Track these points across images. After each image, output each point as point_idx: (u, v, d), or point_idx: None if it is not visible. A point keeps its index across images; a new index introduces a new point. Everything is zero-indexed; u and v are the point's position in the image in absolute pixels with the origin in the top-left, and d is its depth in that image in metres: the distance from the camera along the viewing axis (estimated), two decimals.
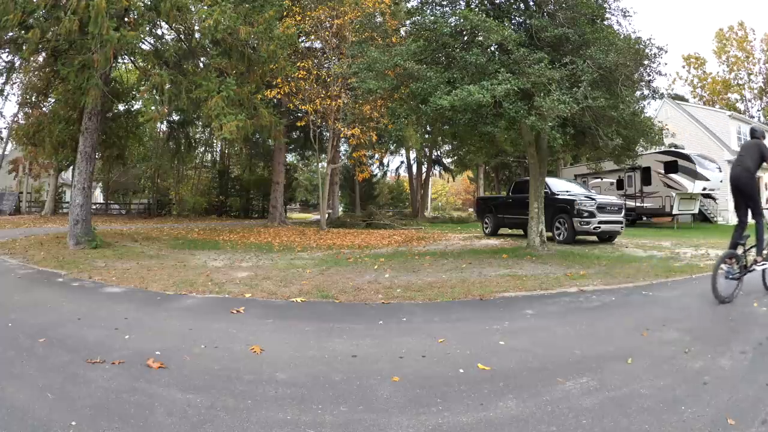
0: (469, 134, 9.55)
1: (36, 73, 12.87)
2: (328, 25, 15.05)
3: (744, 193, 4.81)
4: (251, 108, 9.85)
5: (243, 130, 8.90)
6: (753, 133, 5.09)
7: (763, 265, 4.87)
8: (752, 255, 4.88)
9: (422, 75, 7.31)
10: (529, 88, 6.91)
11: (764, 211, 4.81)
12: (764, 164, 4.83)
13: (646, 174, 19.81)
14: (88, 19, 7.47)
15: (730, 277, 4.60)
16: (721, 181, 19.41)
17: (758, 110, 35.48)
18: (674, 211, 17.60)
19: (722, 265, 4.59)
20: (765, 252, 4.88)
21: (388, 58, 7.76)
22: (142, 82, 11.07)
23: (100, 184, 30.10)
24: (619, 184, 20.84)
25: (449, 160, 32.55)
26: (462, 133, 9.65)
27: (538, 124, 6.85)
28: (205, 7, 8.54)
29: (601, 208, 10.89)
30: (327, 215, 18.31)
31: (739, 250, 4.77)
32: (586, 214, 10.70)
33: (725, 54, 35.63)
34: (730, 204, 21.32)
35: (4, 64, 9.24)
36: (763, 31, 46.86)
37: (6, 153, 25.07)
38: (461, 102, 6.56)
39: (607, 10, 8.49)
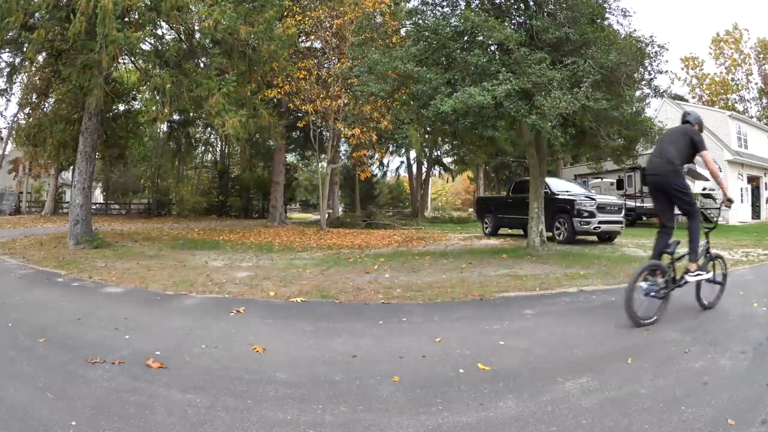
0: (469, 133, 9.55)
1: (36, 73, 12.85)
2: (328, 25, 15.05)
3: (666, 191, 4.05)
4: (251, 108, 9.86)
5: (245, 128, 8.90)
6: (685, 117, 4.28)
7: (697, 275, 4.01)
8: (684, 263, 4.01)
9: (422, 77, 7.29)
10: (530, 88, 6.91)
11: (697, 211, 4.02)
12: (698, 156, 4.07)
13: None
14: (95, 21, 7.47)
15: (653, 294, 3.75)
16: None
17: (758, 111, 35.46)
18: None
19: (641, 283, 3.70)
20: (700, 260, 4.05)
21: (389, 60, 7.75)
22: (144, 83, 11.07)
23: (100, 184, 30.08)
24: (619, 184, 20.83)
25: (449, 159, 32.53)
26: (462, 132, 9.66)
27: (538, 124, 6.84)
28: (206, 7, 8.54)
29: (601, 208, 10.88)
30: (327, 215, 18.30)
31: (665, 260, 3.93)
32: (586, 214, 10.69)
33: (721, 57, 35.70)
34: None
35: (5, 65, 9.23)
36: (758, 32, 46.98)
37: (6, 153, 25.07)
38: (463, 105, 6.55)
39: (607, 10, 8.49)
